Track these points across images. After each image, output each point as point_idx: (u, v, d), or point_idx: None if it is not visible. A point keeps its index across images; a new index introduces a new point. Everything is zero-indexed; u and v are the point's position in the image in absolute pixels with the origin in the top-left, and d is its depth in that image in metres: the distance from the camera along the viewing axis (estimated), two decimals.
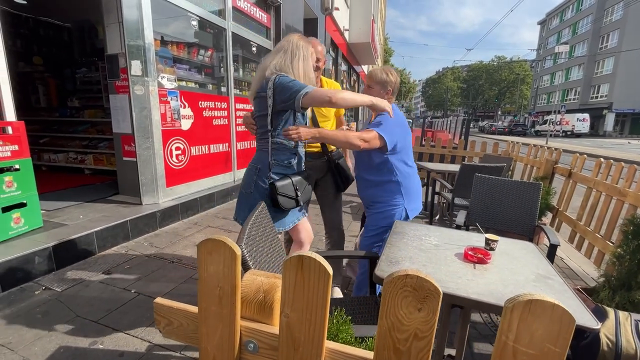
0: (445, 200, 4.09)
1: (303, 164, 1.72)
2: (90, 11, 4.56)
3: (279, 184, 1.54)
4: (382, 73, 1.75)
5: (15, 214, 2.36)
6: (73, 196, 3.49)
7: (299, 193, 1.59)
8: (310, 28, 7.30)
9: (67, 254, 2.38)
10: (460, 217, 2.18)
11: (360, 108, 17.42)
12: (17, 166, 2.36)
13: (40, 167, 5.03)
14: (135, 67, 3.05)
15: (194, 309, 0.61)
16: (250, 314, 0.59)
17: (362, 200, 1.94)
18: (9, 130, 2.35)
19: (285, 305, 0.52)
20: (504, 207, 2.27)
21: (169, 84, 3.43)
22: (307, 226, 1.79)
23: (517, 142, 4.81)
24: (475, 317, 2.01)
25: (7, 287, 2.03)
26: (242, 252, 0.92)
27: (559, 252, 2.99)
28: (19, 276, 2.10)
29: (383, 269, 1.16)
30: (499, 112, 57.98)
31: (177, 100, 3.52)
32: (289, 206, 1.57)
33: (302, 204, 1.63)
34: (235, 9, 4.56)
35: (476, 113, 59.31)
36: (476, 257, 1.26)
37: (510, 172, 3.97)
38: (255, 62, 5.31)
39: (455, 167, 3.84)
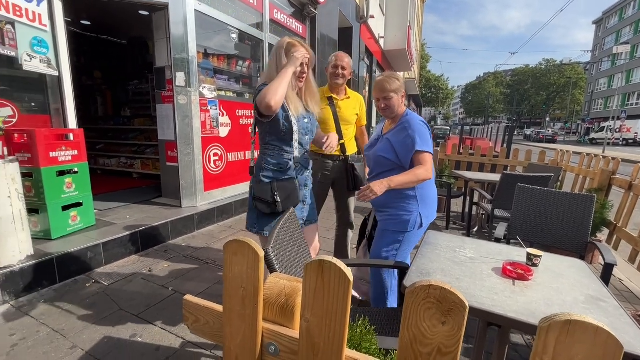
0: (484, 212, 3.87)
1: (305, 170, 1.66)
2: (143, 29, 4.99)
3: (256, 187, 1.52)
4: (392, 81, 1.62)
5: (73, 212, 2.60)
6: (122, 198, 3.79)
7: (277, 198, 1.49)
8: (345, 37, 7.37)
9: (115, 250, 2.58)
10: (500, 229, 2.05)
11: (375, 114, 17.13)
12: (76, 169, 2.61)
13: (96, 170, 5.53)
14: (180, 78, 3.27)
15: (219, 307, 0.63)
16: (273, 316, 0.60)
17: (373, 204, 1.80)
18: (71, 137, 2.62)
19: (305, 309, 0.52)
20: (550, 221, 2.10)
21: (209, 93, 3.63)
22: (310, 237, 1.71)
23: (568, 151, 4.44)
24: (517, 338, 1.86)
25: (63, 279, 2.24)
26: (269, 254, 0.94)
27: (617, 272, 2.69)
28: (74, 269, 2.31)
29: (413, 280, 1.12)
30: (547, 119, 54.06)
31: (216, 109, 3.71)
32: (265, 210, 1.51)
33: (280, 209, 1.49)
34: (273, 21, 4.73)
35: (521, 120, 55.81)
36: (516, 272, 1.17)
37: (558, 184, 3.67)
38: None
39: (495, 177, 3.62)
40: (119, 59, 6.33)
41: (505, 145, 5.67)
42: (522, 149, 5.27)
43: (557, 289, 1.12)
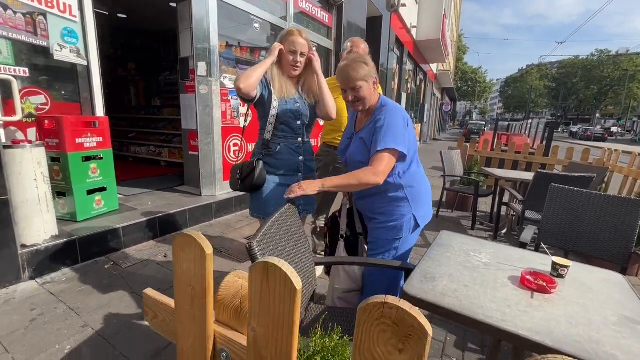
0: (514, 213, 3.59)
1: (294, 155, 1.69)
2: (173, 21, 5.10)
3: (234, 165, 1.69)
4: (359, 66, 1.34)
5: (97, 196, 2.72)
6: (147, 184, 3.93)
7: (240, 174, 1.62)
8: (374, 26, 7.11)
9: (134, 235, 2.67)
10: (527, 233, 1.86)
11: (426, 108, 16.52)
12: (101, 155, 2.72)
13: (127, 158, 5.81)
14: (201, 68, 3.30)
15: (173, 304, 0.58)
16: (227, 319, 0.54)
17: (358, 209, 1.60)
18: (97, 124, 2.72)
19: (252, 317, 0.45)
20: (588, 227, 1.87)
21: (230, 83, 3.63)
22: None
23: (616, 150, 4.00)
24: None
25: (85, 260, 2.35)
26: (253, 249, 0.88)
27: None
28: (95, 251, 2.41)
29: (414, 285, 1.02)
30: (598, 115, 49.66)
31: (237, 99, 3.72)
32: (232, 187, 1.67)
33: (240, 186, 1.62)
34: (298, 10, 4.65)
35: (567, 116, 51.77)
36: (536, 283, 1.03)
37: (603, 185, 3.31)
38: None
39: (529, 175, 3.34)
40: (151, 51, 6.57)
41: (544, 142, 5.24)
42: (564, 147, 4.83)
43: (583, 305, 0.97)
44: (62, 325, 1.69)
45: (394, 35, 8.42)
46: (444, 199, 4.12)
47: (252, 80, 1.49)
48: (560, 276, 1.10)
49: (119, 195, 3.01)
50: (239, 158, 3.88)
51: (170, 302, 0.59)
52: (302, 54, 1.60)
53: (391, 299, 0.35)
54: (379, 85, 1.48)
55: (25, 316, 1.74)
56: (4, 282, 1.96)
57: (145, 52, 6.58)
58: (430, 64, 16.05)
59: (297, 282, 0.40)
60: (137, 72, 6.34)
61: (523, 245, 1.77)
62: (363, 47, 2.03)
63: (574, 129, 35.35)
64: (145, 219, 2.76)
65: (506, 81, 65.77)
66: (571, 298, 1.00)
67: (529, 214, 2.77)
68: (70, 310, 1.81)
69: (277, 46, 1.59)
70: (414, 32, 10.76)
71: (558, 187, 1.99)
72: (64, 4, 2.61)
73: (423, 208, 1.50)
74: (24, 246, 2.07)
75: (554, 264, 1.12)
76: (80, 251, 2.32)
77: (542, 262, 1.25)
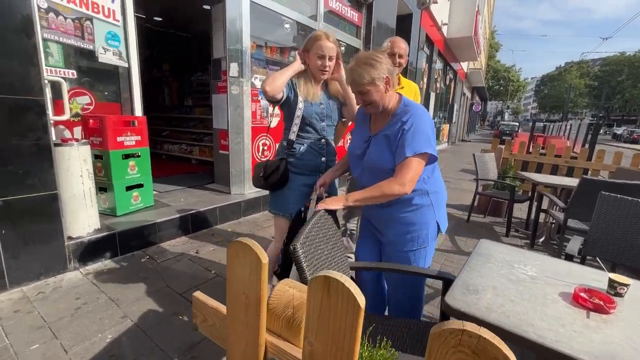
0: (554, 221, 3.39)
1: (318, 156, 1.71)
2: (206, 23, 5.25)
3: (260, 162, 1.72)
4: (365, 70, 1.23)
5: (135, 192, 2.85)
6: (179, 182, 4.08)
7: (264, 172, 1.67)
8: (403, 25, 6.97)
9: (168, 230, 2.77)
10: (574, 244, 1.74)
11: (455, 108, 15.99)
12: (139, 153, 2.85)
13: (161, 155, 6.05)
14: (233, 69, 3.37)
15: (225, 310, 0.58)
16: (279, 329, 0.53)
17: (370, 220, 1.48)
18: (135, 123, 2.85)
19: (309, 331, 0.44)
20: None
21: (260, 84, 3.68)
22: (282, 226, 1.72)
23: None
24: None
25: (123, 252, 2.47)
26: (297, 251, 0.88)
27: None
28: (132, 244, 2.53)
29: (455, 297, 0.98)
30: None
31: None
32: (254, 184, 1.74)
33: (263, 183, 1.67)
34: (327, 10, 4.63)
35: (610, 116, 48.33)
36: (592, 302, 0.96)
37: None
38: (344, 62, 5.32)
39: (572, 181, 3.13)
40: (184, 52, 6.80)
41: (587, 145, 4.90)
42: (610, 151, 4.50)
43: None
44: (104, 315, 1.78)
45: (424, 34, 8.20)
46: (475, 204, 3.96)
47: (278, 84, 1.51)
48: (619, 295, 1.02)
49: (153, 192, 3.13)
50: (268, 158, 3.93)
51: (220, 306, 0.60)
52: (330, 58, 1.59)
53: (470, 327, 0.32)
54: (395, 84, 1.36)
55: (71, 304, 1.85)
56: (52, 271, 2.10)
57: (179, 53, 6.83)
58: (461, 62, 15.51)
59: (361, 299, 0.39)
60: (171, 73, 6.59)
61: (569, 257, 1.66)
62: (404, 46, 1.97)
63: (618, 130, 32.87)
64: (178, 215, 2.86)
65: (542, 79, 62.37)
66: (634, 320, 0.91)
67: (571, 222, 2.60)
68: (110, 301, 1.90)
69: (301, 57, 1.63)
70: (444, 29, 10.44)
71: (609, 195, 1.85)
72: (109, 9, 2.75)
73: (444, 213, 1.44)
74: (70, 238, 2.20)
75: (611, 281, 1.03)
76: (120, 244, 2.44)
77: (595, 277, 1.16)
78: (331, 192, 1.68)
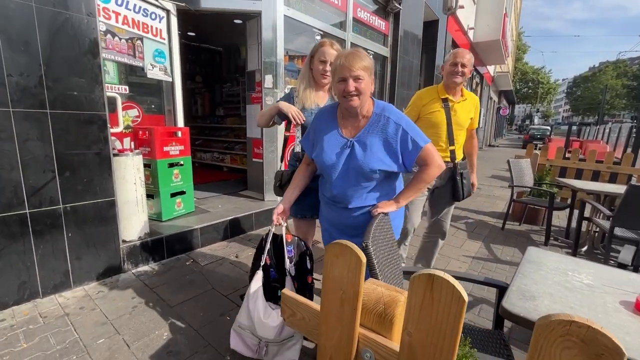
0: (597, 229, 3.25)
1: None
2: (236, 36, 5.50)
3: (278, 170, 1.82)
4: (363, 55, 1.22)
5: (178, 199, 3.02)
6: (214, 189, 4.26)
7: (280, 182, 1.74)
8: (429, 31, 6.95)
9: (209, 235, 2.91)
10: (627, 253, 1.69)
11: (482, 113, 15.59)
12: (182, 162, 3.02)
13: (194, 163, 6.30)
14: (268, 80, 3.51)
15: (316, 306, 0.65)
16: (369, 323, 0.59)
17: (332, 232, 1.55)
18: (179, 134, 3.04)
19: (409, 322, 0.50)
20: None
21: None
22: (302, 227, 1.84)
23: None
24: None
25: (170, 256, 2.62)
26: (368, 248, 0.94)
27: None
28: (177, 248, 2.68)
29: (513, 303, 1.00)
30: None
31: None
32: (275, 192, 1.81)
33: (280, 191, 1.72)
34: (355, 20, 4.73)
35: None
36: None
37: None
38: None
39: (616, 188, 3.00)
40: (215, 64, 7.12)
41: (631, 149, 4.66)
42: None
43: None
44: (158, 313, 1.90)
45: (450, 39, 8.13)
46: (510, 211, 3.86)
47: (261, 121, 1.78)
48: None
49: (194, 199, 3.30)
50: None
51: (310, 303, 0.66)
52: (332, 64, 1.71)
53: (578, 318, 0.37)
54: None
55: (128, 303, 2.00)
56: (110, 272, 2.27)
57: (210, 66, 7.15)
58: (488, 66, 15.15)
59: (464, 293, 0.44)
60: (203, 85, 6.91)
61: (622, 266, 1.61)
62: (468, 57, 1.96)
63: None
64: (217, 220, 3.00)
65: (574, 81, 59.52)
66: None
67: (618, 231, 2.49)
68: (162, 301, 2.03)
69: (283, 107, 1.66)
70: (470, 33, 10.28)
71: None
72: (156, 29, 2.97)
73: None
74: (124, 241, 2.37)
75: None
76: (167, 248, 2.59)
77: None
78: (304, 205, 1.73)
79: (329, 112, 1.41)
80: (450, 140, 2.02)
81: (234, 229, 3.13)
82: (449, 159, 2.06)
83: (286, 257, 1.47)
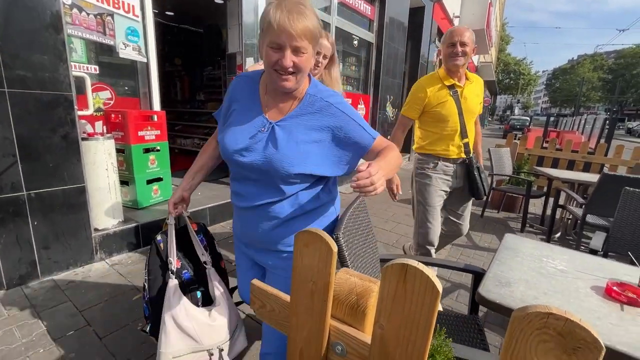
0: (570, 216, 3.37)
1: None
2: (218, 17, 5.27)
3: None
4: (311, 15, 0.87)
5: (155, 186, 2.91)
6: None
7: None
8: (415, 18, 6.88)
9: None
10: (597, 239, 1.74)
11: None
12: (158, 147, 2.90)
13: (174, 150, 6.11)
14: (249, 63, 3.38)
15: (286, 297, 0.61)
16: (341, 315, 0.56)
17: (246, 244, 1.10)
18: (155, 118, 2.90)
19: (381, 315, 0.47)
20: None
21: None
22: None
23: None
24: None
25: (145, 244, 2.53)
26: (339, 240, 0.91)
27: None
28: (154, 236, 2.58)
29: (489, 289, 1.00)
30: None
31: None
32: None
33: None
34: (341, 3, 4.60)
35: (623, 111, 47.20)
36: (625, 295, 0.97)
37: None
38: (356, 56, 5.29)
39: (590, 177, 3.11)
40: (196, 46, 6.82)
41: (604, 140, 4.82)
42: (627, 147, 4.43)
43: None
44: (132, 304, 1.84)
45: (435, 27, 8.09)
46: (489, 199, 3.94)
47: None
48: None
49: (172, 185, 3.19)
50: None
51: (280, 294, 0.63)
52: (325, 57, 1.67)
53: (556, 310, 0.34)
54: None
55: (100, 293, 1.92)
56: (80, 261, 2.17)
57: (190, 48, 6.85)
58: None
59: (439, 284, 0.41)
60: (183, 67, 6.63)
61: (593, 252, 1.66)
62: (468, 34, 1.70)
63: (633, 124, 32.13)
64: (196, 208, 2.92)
65: (553, 73, 61.09)
66: None
67: (590, 218, 2.59)
68: (137, 291, 1.96)
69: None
70: (456, 22, 10.28)
71: (632, 191, 1.84)
72: (128, 5, 2.78)
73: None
74: (96, 230, 2.27)
75: None
76: (142, 236, 2.50)
77: (626, 272, 1.17)
78: None
79: (250, 80, 1.02)
80: (463, 132, 1.80)
81: (214, 217, 3.06)
82: (463, 154, 1.85)
83: (201, 247, 1.28)
